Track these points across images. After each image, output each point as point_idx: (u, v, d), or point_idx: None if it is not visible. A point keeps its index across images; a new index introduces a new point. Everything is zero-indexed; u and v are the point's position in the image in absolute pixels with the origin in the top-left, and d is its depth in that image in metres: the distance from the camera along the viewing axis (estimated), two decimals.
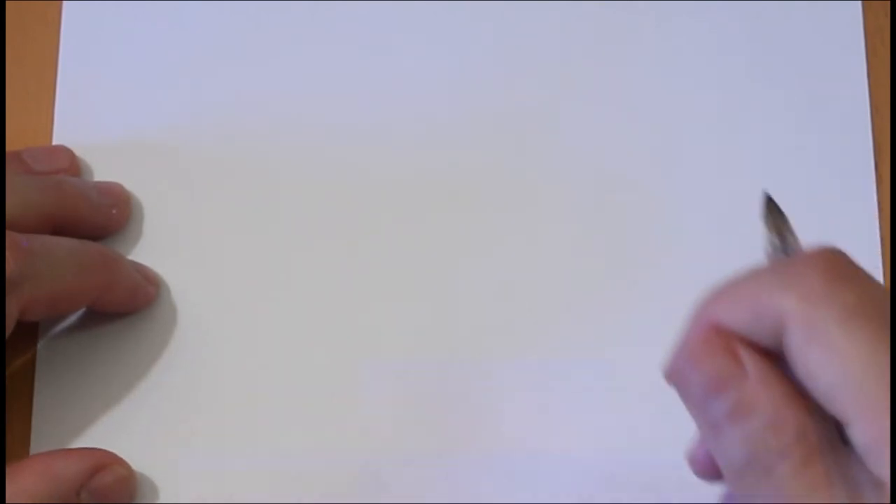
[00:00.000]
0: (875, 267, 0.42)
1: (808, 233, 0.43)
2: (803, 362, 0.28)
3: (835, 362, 0.27)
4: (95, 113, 0.44)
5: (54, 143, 0.44)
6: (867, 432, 0.27)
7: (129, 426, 0.40)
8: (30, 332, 0.41)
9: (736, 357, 0.29)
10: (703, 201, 0.43)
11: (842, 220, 0.43)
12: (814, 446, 0.28)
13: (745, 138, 0.44)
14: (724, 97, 0.45)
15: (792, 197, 0.44)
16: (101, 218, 0.42)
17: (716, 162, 0.44)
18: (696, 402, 0.29)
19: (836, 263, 0.29)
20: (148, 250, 0.42)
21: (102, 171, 0.44)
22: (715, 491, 0.32)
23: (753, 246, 0.43)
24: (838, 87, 0.45)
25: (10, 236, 0.37)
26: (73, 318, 0.42)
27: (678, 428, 0.40)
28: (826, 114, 0.44)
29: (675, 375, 0.30)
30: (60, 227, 0.40)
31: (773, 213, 0.34)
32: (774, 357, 0.29)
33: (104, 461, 0.39)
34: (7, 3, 0.45)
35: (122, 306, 0.41)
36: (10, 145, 0.43)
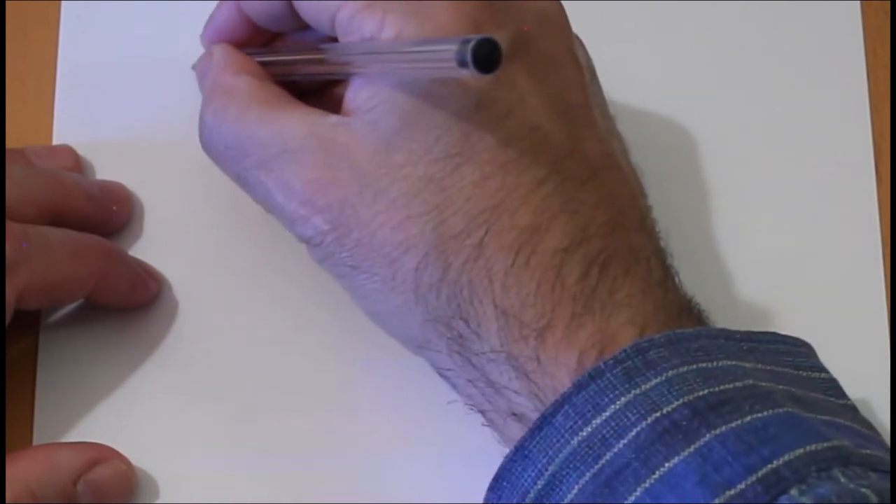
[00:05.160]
0: (875, 267, 0.42)
1: (809, 233, 0.43)
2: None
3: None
4: (95, 112, 0.44)
5: (55, 142, 0.44)
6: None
7: (130, 424, 0.40)
8: (31, 329, 0.41)
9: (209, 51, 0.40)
10: (702, 201, 0.44)
11: (842, 220, 0.43)
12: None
13: (745, 138, 0.44)
14: (724, 97, 0.45)
15: (792, 197, 0.44)
16: (100, 213, 0.42)
17: (715, 162, 0.44)
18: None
19: None
20: (148, 249, 0.42)
21: (103, 170, 0.44)
22: None
23: (754, 246, 0.43)
24: (838, 88, 0.45)
25: (6, 224, 0.37)
26: (74, 316, 0.42)
27: None
28: (826, 114, 0.44)
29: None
30: (59, 220, 0.40)
31: None
32: None
33: (104, 455, 0.39)
34: (7, 3, 0.45)
35: (122, 298, 0.41)
36: (11, 145, 0.43)
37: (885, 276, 0.42)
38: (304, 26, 0.39)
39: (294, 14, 0.38)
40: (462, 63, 0.31)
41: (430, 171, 0.34)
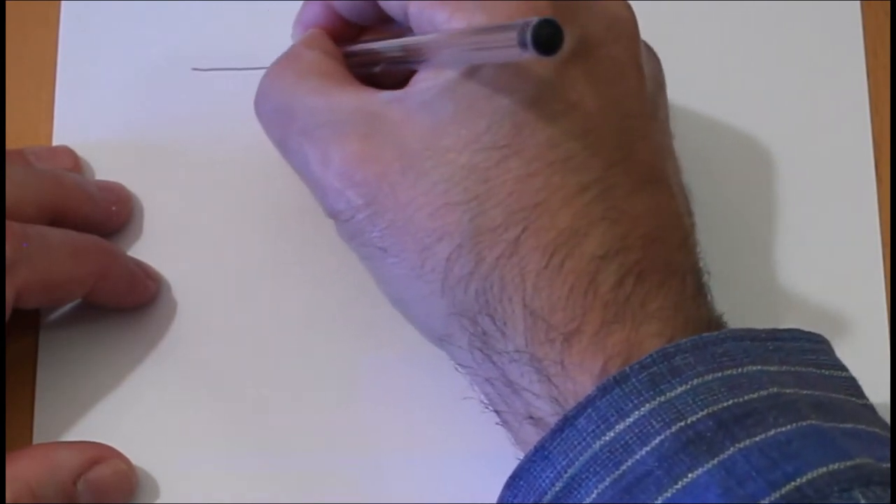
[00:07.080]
0: (875, 267, 0.43)
1: (809, 233, 0.43)
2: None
3: None
4: (95, 113, 0.44)
5: (54, 143, 0.44)
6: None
7: (130, 423, 0.40)
8: (31, 328, 0.41)
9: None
10: (702, 201, 0.44)
11: (842, 220, 0.43)
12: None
13: (744, 138, 0.44)
14: (724, 97, 0.45)
15: (792, 196, 0.44)
16: (100, 213, 0.42)
17: (715, 161, 0.44)
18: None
19: None
20: (148, 249, 0.42)
21: (103, 170, 0.44)
22: None
23: (752, 246, 0.43)
24: (838, 88, 0.45)
25: (6, 224, 0.37)
26: (74, 316, 0.42)
27: None
28: (826, 114, 0.45)
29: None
30: (58, 220, 0.40)
31: None
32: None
33: (104, 454, 0.39)
34: (7, 3, 0.45)
35: (121, 298, 0.41)
36: (11, 145, 0.43)
37: (885, 276, 0.42)
38: (388, 18, 0.38)
39: (377, 7, 0.38)
40: (523, 44, 0.30)
41: (476, 159, 0.34)
